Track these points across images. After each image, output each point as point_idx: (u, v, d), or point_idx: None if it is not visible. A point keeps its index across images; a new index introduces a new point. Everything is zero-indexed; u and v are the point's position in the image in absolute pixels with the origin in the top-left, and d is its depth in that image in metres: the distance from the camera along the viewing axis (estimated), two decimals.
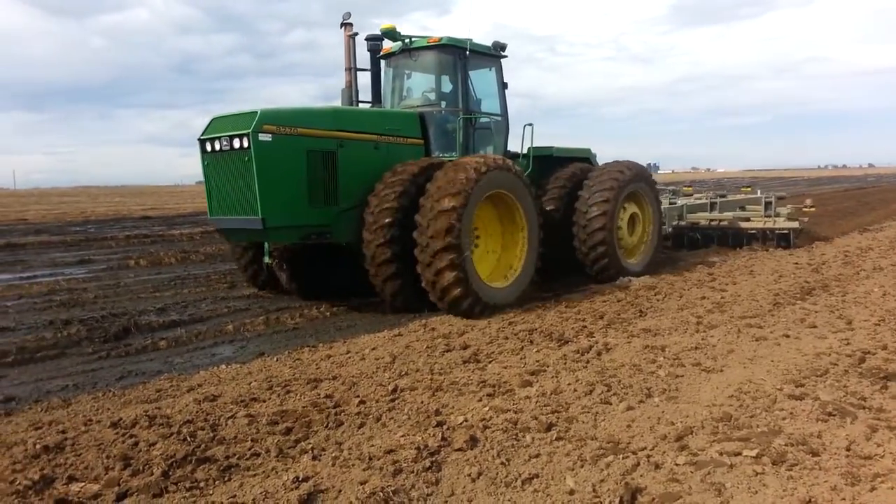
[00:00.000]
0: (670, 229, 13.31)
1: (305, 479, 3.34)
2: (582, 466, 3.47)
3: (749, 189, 20.27)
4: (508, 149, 10.07)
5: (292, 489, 3.24)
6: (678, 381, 4.82)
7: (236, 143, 7.14)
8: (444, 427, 3.99)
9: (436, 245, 7.32)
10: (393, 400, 4.63)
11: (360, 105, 9.89)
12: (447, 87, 9.62)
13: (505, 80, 10.10)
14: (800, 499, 3.03)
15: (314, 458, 3.71)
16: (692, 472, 3.35)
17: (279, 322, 7.85)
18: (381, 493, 3.17)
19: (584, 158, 10.97)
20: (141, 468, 3.55)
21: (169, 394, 5.08)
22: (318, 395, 4.81)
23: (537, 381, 4.89)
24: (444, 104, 9.54)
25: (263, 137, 7.10)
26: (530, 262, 8.48)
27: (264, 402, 4.72)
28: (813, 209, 14.54)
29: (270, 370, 5.64)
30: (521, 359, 5.60)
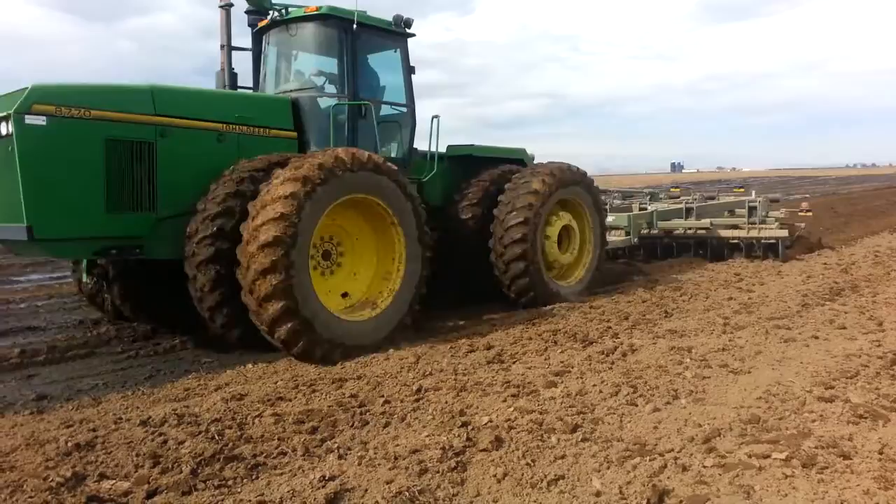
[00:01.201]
0: (635, 240, 11.64)
1: (332, 478, 3.37)
2: (608, 468, 3.45)
3: (742, 190, 18.72)
4: (416, 146, 8.41)
5: (319, 488, 3.26)
6: (705, 382, 4.77)
7: (3, 129, 5.57)
8: (469, 427, 3.99)
9: (257, 264, 5.58)
10: (417, 400, 4.65)
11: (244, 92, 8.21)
12: (331, 68, 7.81)
13: (412, 64, 8.23)
14: (831, 502, 2.98)
15: (340, 457, 3.73)
16: (720, 475, 3.31)
17: None
18: (407, 493, 3.18)
19: (516, 160, 9.34)
20: (170, 466, 3.60)
21: (197, 392, 5.16)
22: (344, 394, 4.84)
23: (562, 382, 4.87)
24: (326, 89, 7.82)
25: (33, 121, 5.50)
26: (408, 288, 6.72)
27: (290, 401, 4.76)
28: (809, 214, 13.32)
29: (296, 369, 5.69)
30: (545, 359, 5.59)
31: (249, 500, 3.15)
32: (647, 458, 3.53)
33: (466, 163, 8.83)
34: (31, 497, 3.28)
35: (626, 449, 3.65)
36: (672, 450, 3.64)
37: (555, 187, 8.45)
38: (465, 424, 4.05)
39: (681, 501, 3.08)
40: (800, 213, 13.14)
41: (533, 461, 3.55)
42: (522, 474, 3.41)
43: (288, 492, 3.25)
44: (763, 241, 11.29)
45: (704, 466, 3.41)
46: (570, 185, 8.76)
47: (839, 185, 49.16)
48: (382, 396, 4.73)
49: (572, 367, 5.23)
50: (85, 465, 3.64)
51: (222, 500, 3.23)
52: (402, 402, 4.62)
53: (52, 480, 3.43)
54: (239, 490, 3.35)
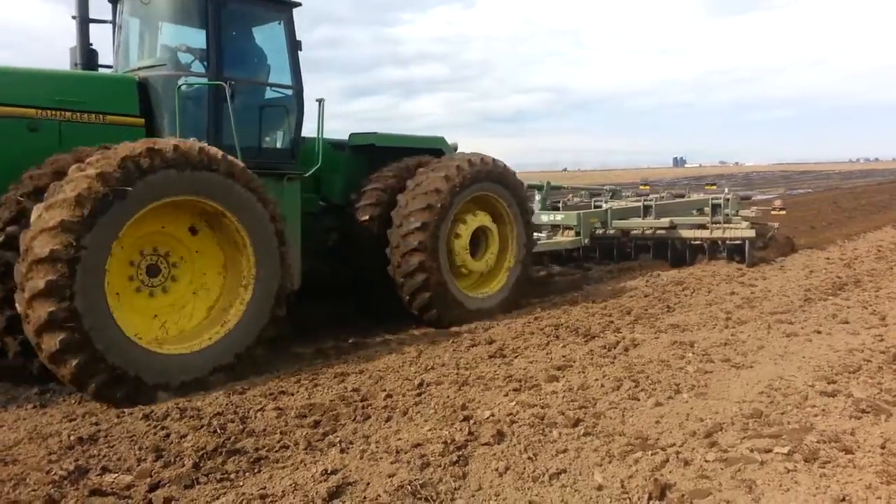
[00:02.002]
0: (587, 241, 10.55)
1: (334, 472, 3.37)
2: (610, 462, 3.45)
3: (713, 187, 16.83)
4: (304, 135, 7.00)
5: (321, 481, 3.27)
6: (707, 377, 4.77)
7: None
8: (471, 421, 3.99)
9: (32, 284, 4.37)
10: (419, 394, 4.65)
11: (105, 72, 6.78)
12: (191, 41, 6.51)
13: (298, 39, 6.84)
14: (833, 497, 2.98)
15: (342, 451, 3.74)
16: (722, 469, 3.31)
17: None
18: (409, 487, 3.18)
19: (431, 151, 7.91)
20: (172, 459, 3.61)
21: (199, 386, 5.15)
22: (346, 388, 4.85)
23: (564, 377, 4.87)
24: (194, 68, 6.46)
25: None
26: (259, 310, 5.38)
27: (292, 395, 4.77)
28: (783, 212, 11.94)
29: (300, 363, 5.70)
30: (546, 354, 5.59)
31: (252, 494, 3.15)
32: (649, 452, 3.53)
33: (377, 155, 7.61)
34: (34, 490, 3.29)
35: (627, 443, 3.65)
36: (674, 444, 3.64)
37: (464, 184, 7.14)
38: (466, 418, 4.05)
39: (683, 496, 3.08)
40: (772, 212, 11.92)
41: (535, 455, 3.55)
42: (524, 468, 3.41)
43: (290, 485, 3.25)
44: (728, 242, 10.15)
45: (706, 461, 3.41)
46: (485, 181, 7.44)
47: (842, 180, 49.05)
48: (384, 390, 4.74)
49: (574, 362, 5.23)
50: (87, 458, 3.66)
51: (224, 493, 3.24)
52: (403, 396, 4.63)
53: (55, 474, 3.45)
54: (241, 483, 3.36)
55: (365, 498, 3.14)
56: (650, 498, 3.08)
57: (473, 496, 3.18)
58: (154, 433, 3.97)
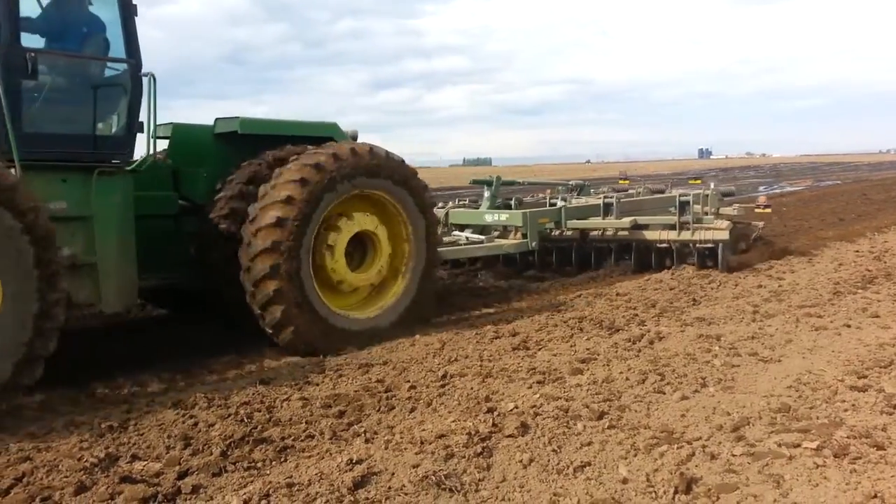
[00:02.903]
0: (534, 245, 9.06)
1: (359, 462, 3.40)
2: (635, 455, 3.44)
3: (698, 182, 14.92)
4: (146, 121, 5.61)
5: (347, 471, 3.29)
6: (734, 370, 4.72)
7: None
8: (495, 413, 3.99)
9: None
10: (443, 385, 4.66)
11: None
12: None
13: (134, 3, 5.57)
14: (864, 493, 2.94)
15: (367, 441, 3.76)
16: (749, 464, 3.28)
17: None
18: (434, 477, 3.20)
19: (319, 139, 6.42)
20: (200, 448, 3.66)
21: (226, 376, 5.22)
22: (370, 379, 4.88)
23: (588, 369, 4.85)
24: None
25: None
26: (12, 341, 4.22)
27: (317, 385, 4.81)
28: (768, 210, 10.83)
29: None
30: (570, 346, 5.57)
31: (278, 482, 3.18)
32: (675, 445, 3.50)
33: (253, 144, 6.35)
34: (66, 476, 3.36)
35: (653, 436, 3.63)
36: (700, 438, 3.61)
37: (339, 177, 5.88)
38: (490, 410, 4.05)
39: (709, 489, 3.06)
40: (756, 210, 10.67)
41: (559, 448, 3.55)
42: (548, 460, 3.41)
43: (316, 474, 3.28)
44: (698, 245, 8.88)
45: (733, 455, 3.38)
46: (370, 177, 6.16)
47: (871, 171, 48.09)
48: (408, 382, 4.76)
49: (598, 355, 5.21)
50: (118, 446, 3.73)
51: (251, 481, 3.28)
52: (427, 387, 4.64)
53: (87, 461, 3.51)
54: (268, 472, 3.40)
55: (390, 488, 3.16)
56: (676, 492, 3.06)
57: (498, 487, 3.19)
58: (182, 421, 4.03)
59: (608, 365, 4.94)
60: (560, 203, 10.06)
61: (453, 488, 3.15)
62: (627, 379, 4.57)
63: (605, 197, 9.98)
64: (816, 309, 6.47)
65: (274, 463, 3.52)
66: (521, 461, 3.40)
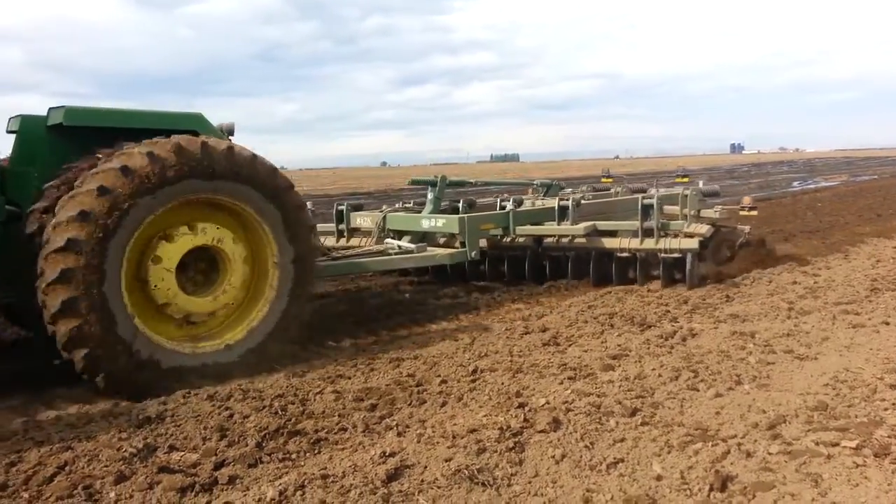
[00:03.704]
0: (474, 255, 7.89)
1: (392, 455, 3.42)
2: (669, 452, 3.41)
3: (686, 179, 12.92)
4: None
5: (380, 463, 3.32)
6: (769, 368, 4.65)
7: None
8: (526, 409, 3.99)
9: None
10: (474, 380, 4.67)
11: None
12: None
13: None
14: None
15: (399, 434, 3.79)
16: (786, 462, 3.23)
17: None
18: (466, 471, 3.21)
19: (177, 132, 5.22)
20: (236, 439, 3.72)
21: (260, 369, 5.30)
22: (401, 373, 4.91)
23: (619, 366, 4.82)
24: None
25: None
26: None
27: (350, 378, 4.86)
28: (754, 213, 9.61)
29: (355, 347, 5.79)
30: (601, 342, 5.53)
31: (313, 474, 3.22)
32: (710, 443, 3.46)
33: (92, 139, 5.21)
34: (106, 466, 3.44)
35: (687, 434, 3.60)
36: (735, 436, 3.56)
37: (157, 181, 4.81)
38: (521, 405, 4.05)
39: (745, 487, 3.02)
40: (741, 213, 9.46)
41: (591, 444, 3.53)
42: (581, 456, 3.40)
43: (350, 466, 3.31)
44: (663, 255, 7.76)
45: (769, 453, 3.33)
46: (208, 180, 5.05)
47: None
48: (439, 376, 4.78)
49: (630, 351, 5.17)
50: (155, 437, 3.80)
51: (287, 472, 3.32)
52: (458, 382, 4.66)
53: (125, 451, 3.60)
54: (303, 463, 3.44)
55: (423, 481, 3.18)
56: (711, 489, 3.03)
57: (530, 482, 3.19)
58: (218, 413, 4.10)
59: (640, 361, 4.90)
60: (509, 206, 8.83)
61: (486, 482, 3.16)
62: (660, 376, 4.53)
63: (560, 199, 8.70)
64: (853, 306, 6.34)
65: (308, 455, 3.56)
66: (553, 457, 3.39)
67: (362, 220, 9.04)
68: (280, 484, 3.14)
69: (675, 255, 7.69)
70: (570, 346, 5.50)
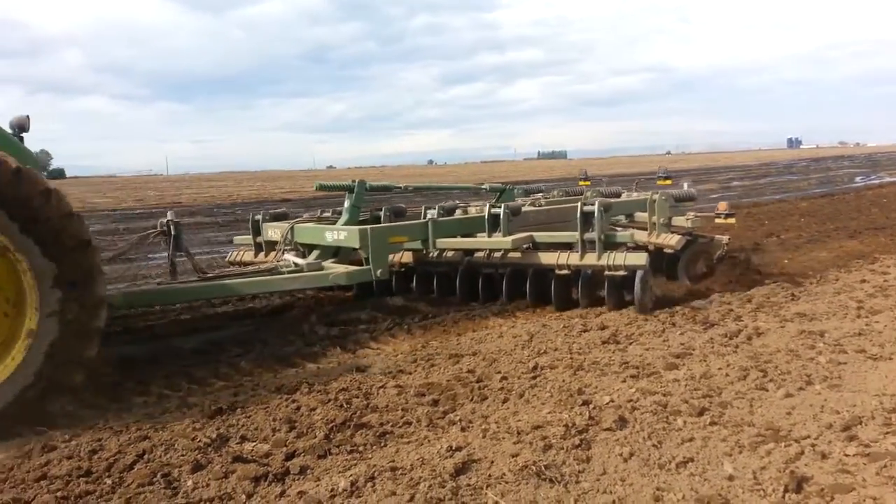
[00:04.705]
0: (381, 272, 6.87)
1: (458, 449, 3.45)
2: (740, 453, 3.35)
3: (669, 182, 11.08)
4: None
5: (447, 457, 3.36)
6: (841, 368, 4.52)
7: None
8: (591, 406, 3.97)
9: None
10: (534, 377, 4.67)
11: None
12: None
13: None
14: None
15: (463, 429, 3.82)
16: (865, 464, 3.14)
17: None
18: (534, 467, 3.21)
19: None
20: (305, 431, 3.81)
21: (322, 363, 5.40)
22: (461, 369, 4.94)
23: (684, 365, 4.75)
24: None
25: None
26: None
27: (410, 374, 4.91)
28: (731, 220, 8.17)
29: (413, 343, 5.85)
30: (663, 341, 5.45)
31: (382, 466, 3.28)
32: (782, 444, 3.39)
33: None
34: (182, 455, 3.57)
35: (758, 434, 3.52)
36: (808, 436, 3.48)
37: None
38: (585, 403, 4.03)
39: (822, 489, 2.95)
40: (717, 220, 8.12)
41: (659, 442, 3.49)
42: (649, 455, 3.37)
43: (417, 459, 3.36)
44: (608, 273, 6.68)
45: (846, 455, 3.25)
46: None
47: None
48: (499, 373, 4.79)
49: (694, 350, 5.08)
50: (228, 427, 3.92)
51: (355, 464, 3.39)
52: (519, 378, 4.66)
53: (200, 441, 3.72)
54: (370, 456, 3.50)
55: (490, 475, 3.20)
56: (786, 490, 2.96)
57: (598, 480, 3.17)
58: (286, 405, 4.20)
59: (705, 360, 4.81)
60: (429, 215, 7.76)
61: (553, 479, 3.16)
62: (727, 375, 4.44)
63: (491, 207, 7.53)
64: None
65: (375, 447, 3.62)
66: (620, 454, 3.37)
67: (273, 231, 7.86)
68: (350, 475, 3.20)
69: (621, 273, 6.58)
70: (630, 344, 5.44)
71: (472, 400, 4.31)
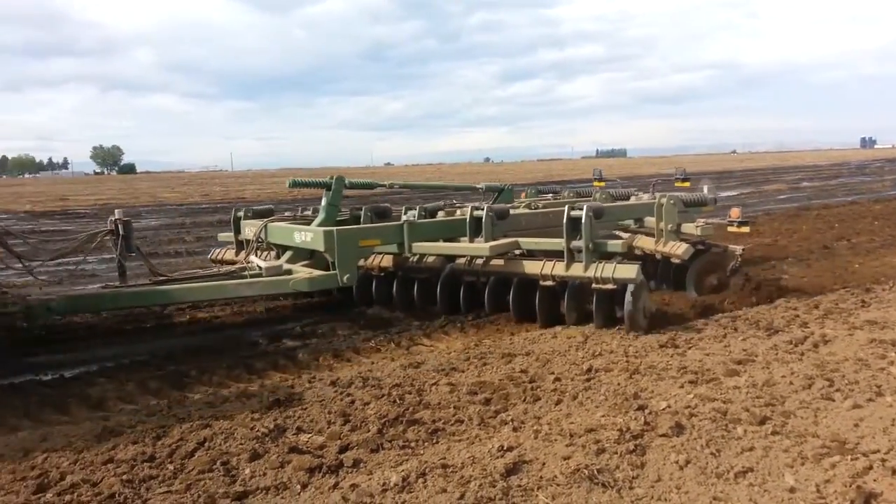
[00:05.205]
0: (347, 278, 6.48)
1: (509, 449, 3.44)
2: (802, 464, 3.23)
3: (686, 184, 9.97)
4: None
5: (498, 457, 3.35)
6: None
7: None
8: (646, 411, 3.89)
9: None
10: (588, 380, 4.61)
11: None
12: None
13: None
14: None
15: (515, 429, 3.80)
16: None
17: None
18: (586, 471, 3.17)
19: None
20: (358, 424, 3.87)
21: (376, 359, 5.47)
22: (514, 369, 4.91)
23: (745, 371, 4.60)
24: None
25: None
26: None
27: (463, 372, 4.92)
28: (745, 229, 7.46)
29: (465, 341, 5.85)
30: (724, 346, 5.30)
31: (433, 462, 3.30)
32: (849, 457, 3.25)
33: None
34: (241, 444, 3.67)
35: (822, 446, 3.39)
36: (878, 450, 3.32)
37: None
38: (641, 408, 3.96)
39: None
40: (729, 229, 7.45)
41: (718, 451, 3.40)
42: (707, 463, 3.28)
43: (468, 458, 3.36)
44: (595, 286, 5.99)
45: None
46: None
47: None
48: (552, 374, 4.75)
49: (756, 356, 4.92)
50: (285, 418, 4.01)
51: (407, 459, 3.42)
52: (572, 380, 4.61)
53: (258, 430, 3.82)
54: (422, 452, 3.53)
55: (542, 477, 3.18)
56: None
57: (653, 487, 3.11)
58: (341, 399, 4.27)
59: (768, 367, 4.66)
60: (405, 217, 7.17)
61: (606, 483, 3.12)
62: (791, 383, 4.29)
63: (473, 209, 6.97)
64: None
65: (427, 444, 3.65)
66: (676, 462, 3.30)
67: (249, 230, 7.58)
68: (402, 470, 3.23)
69: (609, 287, 5.88)
70: (689, 348, 5.31)
71: (524, 400, 4.29)
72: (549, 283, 6.22)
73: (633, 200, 8.57)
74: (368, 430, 3.78)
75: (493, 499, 2.99)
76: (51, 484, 3.30)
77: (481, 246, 6.60)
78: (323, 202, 7.41)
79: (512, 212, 7.35)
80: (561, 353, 5.31)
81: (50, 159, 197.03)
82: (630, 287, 5.77)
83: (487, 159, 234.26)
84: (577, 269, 6.05)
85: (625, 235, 7.54)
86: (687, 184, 9.93)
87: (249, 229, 7.59)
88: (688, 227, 7.19)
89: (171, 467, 3.45)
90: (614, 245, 6.25)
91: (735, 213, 7.52)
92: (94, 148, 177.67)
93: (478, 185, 9.64)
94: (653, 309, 6.12)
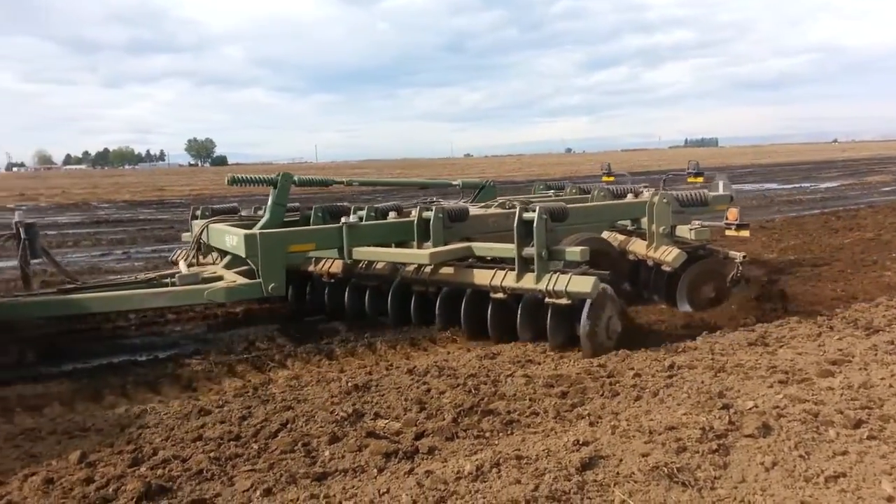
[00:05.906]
0: (272, 287, 5.83)
1: (585, 444, 3.39)
2: None
3: (699, 180, 8.92)
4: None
5: (573, 451, 3.30)
6: None
7: None
8: (731, 410, 3.74)
9: None
10: (670, 376, 4.47)
11: None
12: None
13: None
14: None
15: (591, 424, 3.74)
16: None
17: None
18: (665, 469, 3.09)
19: None
20: (434, 413, 3.91)
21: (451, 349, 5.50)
22: (592, 363, 4.83)
23: (840, 372, 4.35)
24: None
25: None
26: None
27: (539, 364, 4.88)
28: (744, 233, 6.63)
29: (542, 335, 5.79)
30: (818, 346, 5.03)
31: (507, 454, 3.28)
32: None
33: None
34: (321, 427, 3.78)
35: None
36: None
37: None
38: (725, 407, 3.80)
39: None
40: (727, 232, 6.66)
41: (807, 454, 3.23)
42: (795, 466, 3.12)
43: (543, 450, 3.33)
44: (549, 300, 5.28)
45: None
46: None
47: None
48: (632, 369, 4.64)
49: (853, 357, 4.65)
50: (363, 404, 4.10)
51: (482, 449, 3.42)
52: (653, 376, 4.49)
53: (338, 414, 3.92)
54: (496, 442, 3.53)
55: (618, 473, 3.11)
56: None
57: (736, 488, 2.99)
58: (417, 387, 4.32)
59: (866, 368, 4.39)
60: (345, 219, 6.36)
61: (686, 482, 3.02)
62: (891, 386, 4.02)
63: (421, 209, 6.33)
64: None
65: (501, 434, 3.64)
66: (762, 463, 3.16)
67: (197, 231, 7.06)
68: (476, 459, 3.24)
69: (563, 302, 5.17)
70: (780, 347, 5.07)
71: (602, 395, 4.21)
72: (500, 295, 5.54)
73: (629, 198, 7.81)
74: (444, 419, 3.81)
75: (567, 492, 2.95)
76: (144, 458, 3.50)
77: (420, 252, 6.00)
78: (269, 201, 6.83)
79: (474, 212, 6.67)
80: (642, 348, 5.18)
81: (148, 151, 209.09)
82: (587, 303, 5.07)
83: (569, 150, 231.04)
84: (528, 281, 5.36)
85: (621, 238, 6.98)
86: (700, 179, 8.91)
87: (197, 230, 7.07)
88: (681, 229, 6.61)
89: (255, 447, 3.58)
90: (572, 253, 5.32)
91: (732, 214, 6.64)
92: (189, 140, 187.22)
93: (454, 182, 8.88)
94: (618, 329, 5.28)
